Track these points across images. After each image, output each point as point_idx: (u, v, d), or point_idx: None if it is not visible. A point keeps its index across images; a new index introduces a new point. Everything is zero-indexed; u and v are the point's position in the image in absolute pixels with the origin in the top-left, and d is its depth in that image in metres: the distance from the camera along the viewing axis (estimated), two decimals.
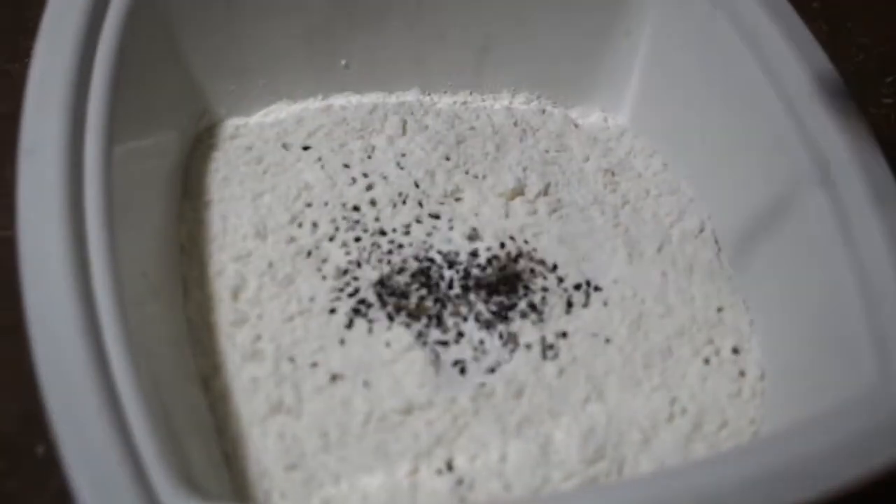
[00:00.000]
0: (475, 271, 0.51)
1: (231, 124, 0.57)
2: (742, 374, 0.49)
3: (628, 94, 0.60)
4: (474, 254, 0.52)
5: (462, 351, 0.49)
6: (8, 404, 0.51)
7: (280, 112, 0.58)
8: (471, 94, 0.60)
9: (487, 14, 0.58)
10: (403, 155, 0.56)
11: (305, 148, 0.55)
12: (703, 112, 0.55)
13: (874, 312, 0.44)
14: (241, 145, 0.55)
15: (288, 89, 0.58)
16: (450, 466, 0.45)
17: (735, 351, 0.50)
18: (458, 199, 0.54)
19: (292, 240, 0.51)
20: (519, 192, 0.55)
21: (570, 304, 0.51)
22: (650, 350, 0.50)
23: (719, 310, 0.52)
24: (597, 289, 0.52)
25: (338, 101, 0.59)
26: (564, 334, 0.49)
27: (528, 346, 0.49)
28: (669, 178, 0.57)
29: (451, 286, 0.51)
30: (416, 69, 0.59)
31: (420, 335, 0.49)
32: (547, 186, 0.55)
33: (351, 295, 0.50)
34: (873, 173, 0.47)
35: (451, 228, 0.53)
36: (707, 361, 0.50)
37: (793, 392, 0.48)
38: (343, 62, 0.58)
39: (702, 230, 0.54)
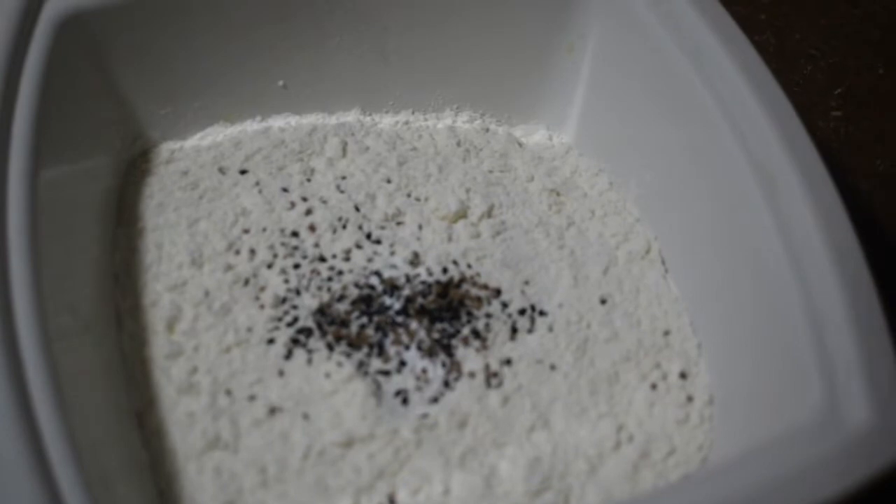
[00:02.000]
0: (417, 298, 0.50)
1: (166, 148, 0.55)
2: (690, 399, 0.49)
3: (573, 111, 0.59)
4: (416, 279, 0.51)
5: (404, 380, 0.47)
6: None
7: (217, 135, 0.56)
8: (413, 113, 0.59)
9: (429, 32, 0.57)
10: (343, 178, 0.55)
11: (243, 172, 0.54)
12: (648, 130, 0.54)
13: (820, 336, 0.43)
14: (176, 170, 0.54)
15: (224, 111, 0.57)
16: (392, 501, 0.44)
17: (682, 376, 0.49)
18: (399, 223, 0.53)
19: (229, 267, 0.50)
20: (462, 214, 0.54)
21: (514, 330, 0.50)
22: (596, 376, 0.49)
23: (666, 333, 0.51)
24: (542, 313, 0.51)
25: (276, 122, 0.57)
26: (509, 361, 0.48)
27: (472, 375, 0.48)
28: (615, 198, 0.56)
29: (392, 313, 0.49)
30: (356, 89, 0.58)
31: (361, 365, 0.47)
32: (491, 208, 0.54)
33: (290, 324, 0.48)
34: (818, 190, 0.46)
35: (392, 253, 0.52)
36: (654, 387, 0.49)
37: (741, 417, 0.47)
38: (281, 83, 0.57)
39: (648, 251, 0.54)
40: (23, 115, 0.45)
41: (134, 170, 0.54)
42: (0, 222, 0.42)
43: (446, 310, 0.50)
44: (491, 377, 0.48)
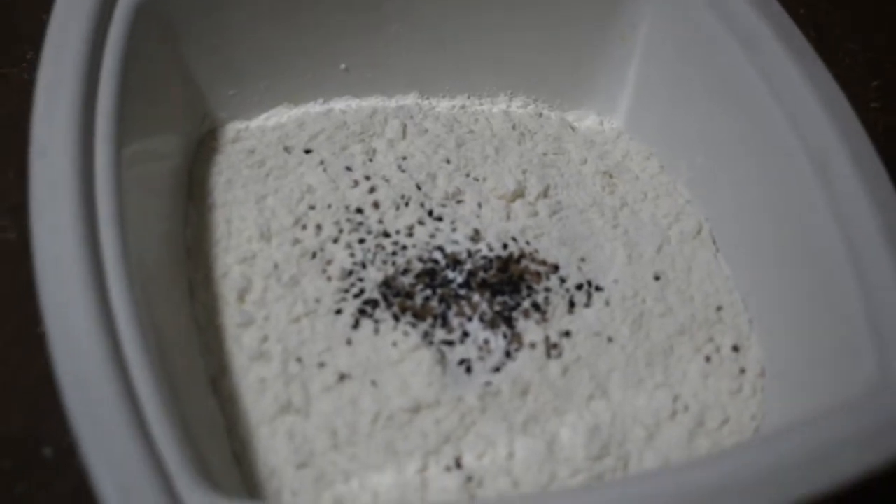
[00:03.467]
0: (479, 272, 0.52)
1: (232, 128, 0.57)
2: (742, 371, 0.50)
3: (624, 97, 0.61)
4: (477, 255, 0.52)
5: (467, 350, 0.49)
6: (10, 405, 0.51)
7: (281, 116, 0.58)
8: (468, 98, 0.61)
9: (485, 19, 0.59)
10: (404, 158, 0.56)
11: (307, 151, 0.56)
12: (699, 114, 0.56)
13: (873, 311, 0.44)
14: (243, 148, 0.56)
15: (289, 93, 0.58)
16: (458, 464, 0.46)
17: (735, 349, 0.51)
18: (459, 202, 0.55)
19: (297, 242, 0.52)
20: (519, 194, 0.56)
21: (572, 304, 0.51)
22: (652, 349, 0.50)
23: (718, 309, 0.52)
24: (598, 289, 0.52)
25: (338, 104, 0.59)
26: (568, 333, 0.50)
27: (533, 346, 0.49)
28: (665, 181, 0.58)
29: (455, 286, 0.51)
30: (414, 74, 0.60)
31: (426, 335, 0.49)
32: (546, 189, 0.56)
33: (356, 296, 0.50)
34: (870, 172, 0.48)
35: (454, 230, 0.53)
36: (708, 359, 0.50)
37: (793, 389, 0.49)
38: (343, 66, 0.59)
39: (699, 231, 0.55)
40: (105, 97, 0.47)
41: (202, 148, 0.56)
42: (90, 196, 0.43)
43: (507, 284, 0.52)
44: (551, 348, 0.50)
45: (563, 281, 0.52)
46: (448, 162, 0.56)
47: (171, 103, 0.54)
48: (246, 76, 0.57)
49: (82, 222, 0.42)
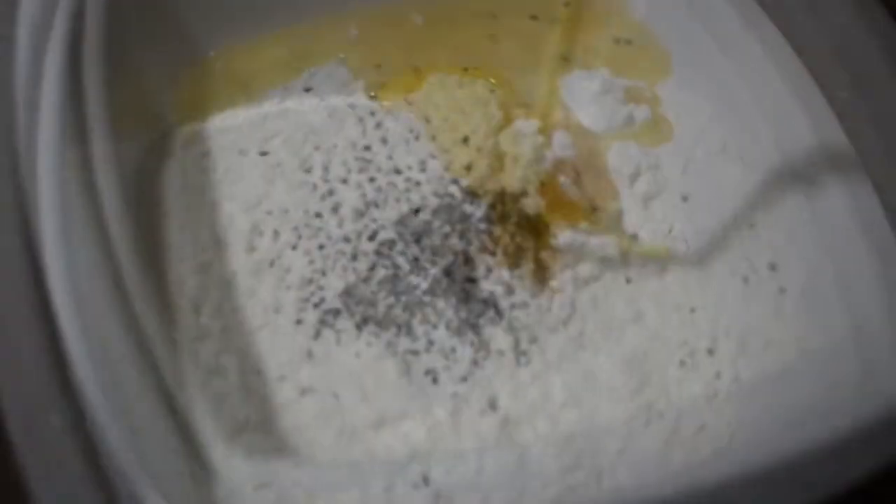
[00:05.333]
0: (444, 278, 0.50)
1: (186, 130, 0.55)
2: (782, 290, 0.48)
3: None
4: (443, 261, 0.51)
5: (433, 360, 0.47)
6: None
7: (236, 117, 0.56)
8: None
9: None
10: (366, 160, 0.54)
11: (263, 154, 0.54)
12: (720, 25, 0.53)
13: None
14: (197, 152, 0.53)
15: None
16: (426, 480, 0.44)
17: (772, 267, 0.49)
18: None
19: (253, 249, 0.50)
20: None
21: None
22: (685, 273, 0.49)
23: (751, 226, 0.50)
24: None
25: (294, 104, 0.57)
26: (536, 339, 0.48)
27: (501, 353, 0.48)
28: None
29: (419, 293, 0.49)
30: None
31: (390, 344, 0.47)
32: None
33: (316, 305, 0.48)
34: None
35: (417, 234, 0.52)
36: (745, 280, 0.49)
37: (836, 305, 0.46)
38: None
39: (724, 148, 0.53)
40: (51, 95, 0.44)
41: (154, 152, 0.53)
42: (30, 204, 0.41)
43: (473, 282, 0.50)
44: (520, 355, 0.48)
45: None
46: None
47: (121, 105, 0.51)
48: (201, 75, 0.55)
49: (20, 228, 0.40)
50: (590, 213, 0.51)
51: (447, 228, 0.49)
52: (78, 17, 0.47)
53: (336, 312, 0.48)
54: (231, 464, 0.44)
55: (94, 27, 0.45)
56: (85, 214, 0.45)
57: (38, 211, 0.41)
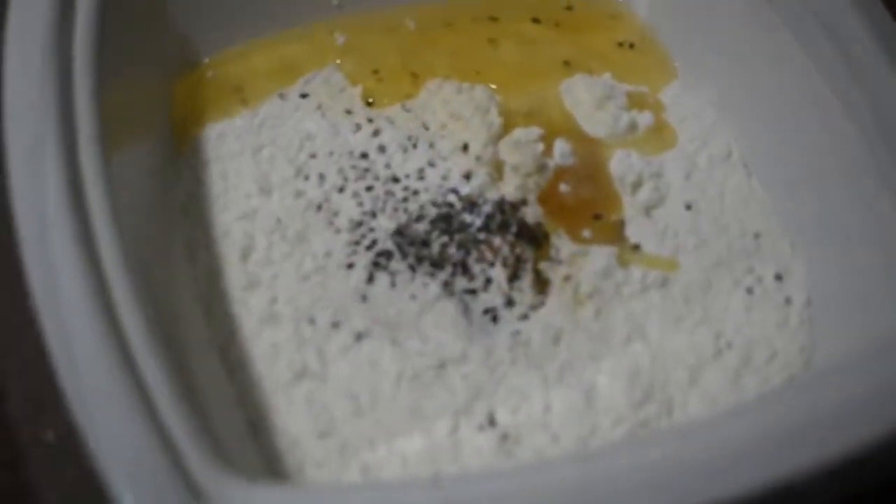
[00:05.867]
0: (497, 213, 0.48)
1: (181, 138, 0.52)
2: (788, 301, 0.47)
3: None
4: (496, 196, 0.49)
5: (492, 298, 0.46)
6: (9, 389, 0.48)
7: (232, 124, 0.52)
8: None
9: None
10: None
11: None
12: (725, 28, 0.52)
13: None
14: (191, 160, 0.50)
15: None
16: (492, 421, 0.43)
17: (778, 278, 0.48)
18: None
19: (300, 194, 0.48)
20: None
21: None
22: (689, 283, 0.47)
23: (756, 236, 0.49)
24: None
25: (290, 111, 0.54)
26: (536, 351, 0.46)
27: (561, 289, 0.46)
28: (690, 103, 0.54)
29: (473, 230, 0.47)
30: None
31: (446, 285, 0.46)
32: None
33: (368, 248, 0.47)
34: None
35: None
36: (750, 291, 0.47)
37: (843, 317, 0.45)
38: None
39: (729, 154, 0.52)
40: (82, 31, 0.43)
41: (147, 161, 0.50)
42: (72, 159, 0.40)
43: (528, 225, 0.48)
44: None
45: None
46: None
47: (113, 113, 0.47)
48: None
49: (65, 183, 0.39)
50: (591, 222, 0.49)
51: (445, 238, 0.47)
52: (68, 23, 0.45)
53: (388, 254, 0.46)
54: (290, 414, 0.42)
55: (85, 32, 0.43)
56: (124, 165, 0.44)
57: (79, 164, 0.40)
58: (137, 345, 0.36)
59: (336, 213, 0.48)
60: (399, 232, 0.47)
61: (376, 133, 0.51)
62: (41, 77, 0.41)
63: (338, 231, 0.47)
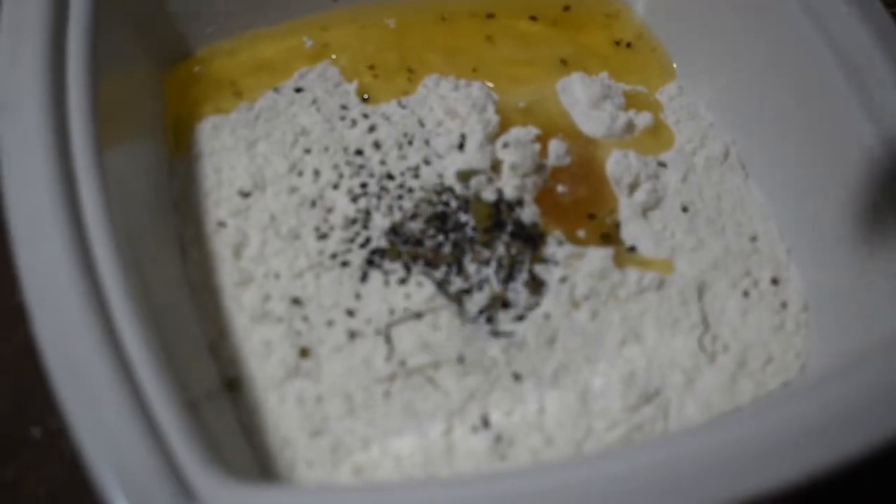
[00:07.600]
0: (494, 213, 0.48)
1: (174, 133, 0.51)
2: (784, 305, 0.47)
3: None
4: (492, 196, 0.48)
5: (487, 299, 0.45)
6: None
7: (226, 118, 0.51)
8: None
9: None
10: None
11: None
12: (722, 28, 0.52)
13: None
14: (186, 155, 0.50)
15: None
16: (486, 423, 0.42)
17: (774, 281, 0.47)
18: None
19: (294, 190, 0.48)
20: None
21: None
22: (685, 286, 0.47)
23: (753, 238, 0.49)
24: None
25: (285, 105, 0.52)
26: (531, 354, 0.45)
27: (557, 290, 0.46)
28: (687, 103, 0.54)
29: (469, 230, 0.47)
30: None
31: (441, 284, 0.45)
32: None
33: (362, 245, 0.46)
34: None
35: None
36: (746, 294, 0.47)
37: (838, 323, 0.45)
38: None
39: (727, 156, 0.51)
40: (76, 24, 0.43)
41: (141, 156, 0.50)
42: (64, 153, 0.39)
43: (524, 225, 0.48)
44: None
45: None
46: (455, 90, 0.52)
47: (106, 107, 0.46)
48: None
49: (58, 178, 0.38)
50: (587, 222, 0.48)
51: (440, 237, 0.47)
52: (62, 17, 0.44)
53: (383, 252, 0.46)
54: (282, 412, 0.42)
55: (79, 26, 0.43)
56: (117, 160, 0.43)
57: (72, 159, 0.40)
58: (129, 342, 0.36)
59: (330, 210, 0.47)
60: (394, 230, 0.47)
61: (372, 129, 0.50)
62: (34, 71, 0.41)
63: (332, 228, 0.47)
